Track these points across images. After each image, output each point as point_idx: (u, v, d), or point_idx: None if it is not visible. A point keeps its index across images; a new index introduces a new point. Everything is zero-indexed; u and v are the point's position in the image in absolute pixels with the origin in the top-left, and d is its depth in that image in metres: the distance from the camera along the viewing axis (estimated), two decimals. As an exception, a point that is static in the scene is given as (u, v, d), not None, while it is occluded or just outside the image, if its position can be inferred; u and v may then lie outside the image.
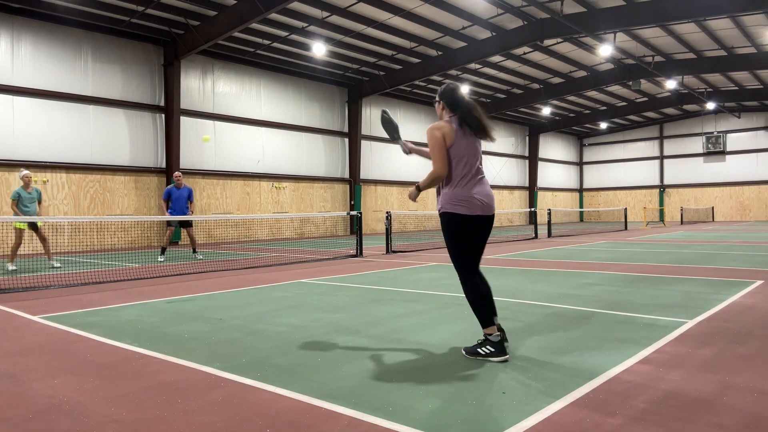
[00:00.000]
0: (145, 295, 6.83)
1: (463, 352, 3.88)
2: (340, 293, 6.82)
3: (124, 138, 17.23)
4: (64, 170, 15.88)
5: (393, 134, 4.60)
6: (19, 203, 9.91)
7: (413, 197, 4.16)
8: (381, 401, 2.96)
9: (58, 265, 10.26)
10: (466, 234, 3.88)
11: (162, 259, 11.38)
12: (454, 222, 3.88)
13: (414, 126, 27.76)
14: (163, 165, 18.04)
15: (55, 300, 6.56)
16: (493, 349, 3.73)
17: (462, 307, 5.70)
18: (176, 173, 11.93)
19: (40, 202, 10.24)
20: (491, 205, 3.92)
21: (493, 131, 4.19)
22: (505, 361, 3.69)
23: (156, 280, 8.32)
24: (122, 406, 2.95)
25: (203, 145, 19.19)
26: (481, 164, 4.06)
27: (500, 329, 3.80)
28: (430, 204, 28.55)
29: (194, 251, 12.14)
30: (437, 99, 4.11)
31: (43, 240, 10.21)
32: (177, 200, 11.67)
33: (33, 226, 10.11)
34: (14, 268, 9.97)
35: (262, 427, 2.65)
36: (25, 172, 10.04)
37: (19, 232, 10.00)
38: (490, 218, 3.95)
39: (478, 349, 3.80)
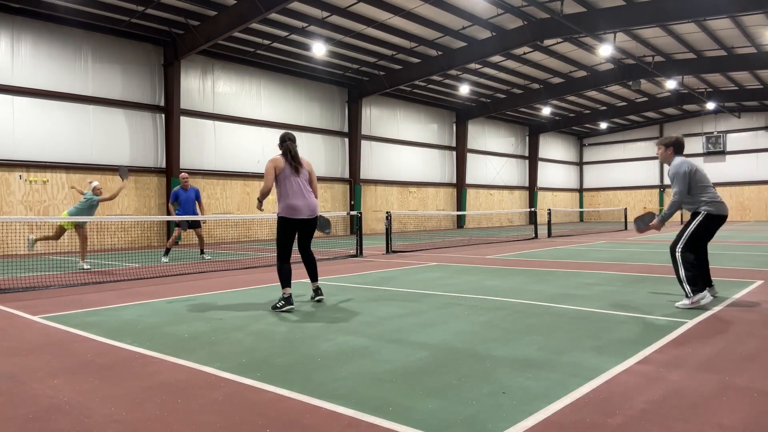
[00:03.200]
0: (145, 295, 6.83)
1: (270, 308, 5.75)
2: (340, 293, 6.82)
3: (124, 138, 17.23)
4: (64, 170, 15.88)
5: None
6: (91, 209, 10.12)
7: (258, 207, 6.25)
8: (381, 401, 2.96)
9: (88, 266, 10.21)
10: (286, 230, 5.95)
11: (166, 260, 11.35)
12: (280, 222, 5.96)
13: (414, 126, 27.77)
14: (163, 165, 18.04)
15: (55, 300, 6.56)
16: (284, 302, 5.69)
17: (462, 307, 5.71)
18: (182, 174, 11.70)
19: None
20: (301, 212, 5.93)
21: (300, 164, 6.17)
22: (290, 311, 5.64)
23: (156, 280, 8.32)
24: (122, 406, 2.95)
25: (203, 144, 19.19)
26: (300, 184, 6.02)
27: (315, 291, 6.20)
28: (430, 204, 28.56)
29: (202, 252, 12.07)
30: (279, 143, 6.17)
31: (84, 239, 10.28)
32: (185, 202, 11.45)
33: (77, 225, 10.19)
34: (89, 266, 10.12)
35: (262, 427, 2.65)
36: (96, 183, 10.27)
37: (61, 230, 10.10)
38: (300, 221, 5.96)
39: (276, 304, 5.76)
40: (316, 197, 6.19)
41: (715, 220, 5.59)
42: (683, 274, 5.52)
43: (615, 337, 4.30)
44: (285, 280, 5.81)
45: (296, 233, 6.00)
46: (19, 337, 4.62)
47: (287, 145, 6.06)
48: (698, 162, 35.36)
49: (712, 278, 5.92)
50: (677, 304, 5.62)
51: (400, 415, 2.77)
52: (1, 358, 3.95)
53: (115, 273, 9.47)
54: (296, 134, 22.54)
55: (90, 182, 10.49)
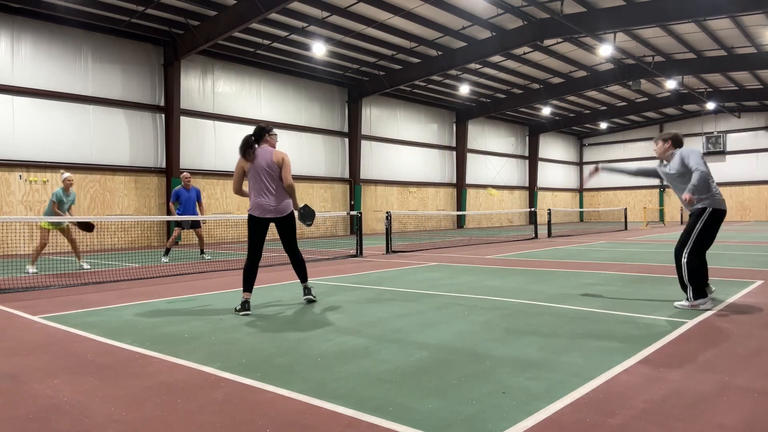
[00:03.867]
0: (145, 295, 6.83)
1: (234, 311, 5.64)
2: (340, 293, 6.82)
3: (124, 138, 17.23)
4: (64, 170, 15.86)
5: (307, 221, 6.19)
6: (59, 206, 9.73)
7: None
8: (381, 401, 2.96)
9: (88, 266, 10.14)
10: (251, 228, 5.80)
11: (166, 260, 11.34)
12: (248, 219, 5.83)
13: (414, 126, 27.77)
14: (163, 165, 18.05)
15: (55, 300, 6.56)
16: (240, 307, 5.56)
17: (462, 307, 5.71)
18: (184, 174, 11.70)
19: (70, 206, 10.03)
20: (266, 210, 5.75)
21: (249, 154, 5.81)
22: (247, 314, 5.48)
23: (156, 280, 8.32)
24: (122, 406, 2.95)
25: (203, 144, 19.19)
26: (266, 180, 5.76)
27: (305, 290, 6.12)
28: (430, 204, 28.56)
29: (202, 252, 12.06)
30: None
31: (72, 241, 10.05)
32: (187, 202, 11.45)
33: (62, 227, 9.89)
34: (35, 270, 9.64)
35: (262, 427, 2.65)
36: (67, 174, 9.87)
37: (46, 233, 9.71)
38: (268, 220, 5.80)
39: (236, 307, 5.67)
40: (290, 192, 5.82)
41: (719, 216, 5.52)
42: (687, 280, 5.48)
43: (615, 337, 4.30)
44: (245, 282, 5.63)
45: (265, 232, 5.81)
46: (19, 337, 4.62)
47: (244, 138, 5.80)
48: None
49: (713, 278, 5.92)
50: (676, 303, 5.64)
51: (400, 415, 2.77)
52: (1, 358, 3.95)
53: (115, 273, 9.47)
54: (296, 134, 22.84)
55: (62, 173, 10.05)
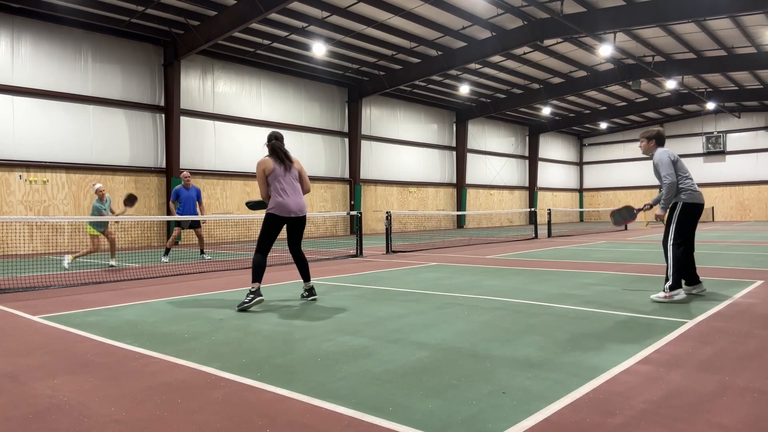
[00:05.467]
0: (145, 295, 6.83)
1: (237, 308, 5.75)
2: (340, 293, 6.82)
3: (124, 138, 17.23)
4: (64, 170, 15.88)
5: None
6: (100, 214, 10.42)
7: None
8: (381, 401, 2.96)
9: (115, 263, 10.66)
10: (271, 226, 6.05)
11: (166, 260, 11.34)
12: (267, 218, 6.08)
13: (414, 126, 27.77)
14: (163, 165, 18.05)
15: (55, 300, 6.56)
16: (253, 295, 5.73)
17: (462, 307, 5.71)
18: (184, 173, 11.69)
19: (112, 210, 10.79)
20: (291, 210, 6.04)
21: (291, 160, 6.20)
22: (260, 302, 5.77)
23: (156, 280, 8.32)
24: (122, 406, 2.95)
25: (203, 144, 19.20)
26: (290, 182, 6.08)
27: (309, 291, 6.30)
28: (430, 204, 28.56)
29: (202, 252, 12.04)
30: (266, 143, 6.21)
31: (111, 241, 10.70)
32: (186, 201, 11.45)
33: (103, 228, 10.46)
34: (114, 263, 10.56)
35: (262, 427, 2.65)
36: (98, 186, 10.53)
37: (96, 238, 10.41)
38: (288, 219, 6.08)
39: (245, 299, 5.75)
40: (305, 193, 6.29)
41: (692, 209, 5.92)
42: (672, 268, 5.81)
43: (615, 337, 4.30)
44: (257, 274, 5.87)
45: (280, 231, 6.10)
46: (19, 337, 4.62)
47: (274, 144, 6.10)
48: (698, 162, 35.39)
49: (713, 278, 5.97)
50: (653, 296, 5.92)
51: (400, 415, 2.77)
52: (1, 358, 3.95)
53: (115, 273, 9.47)
54: (296, 134, 22.88)
55: (93, 185, 10.74)
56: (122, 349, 4.18)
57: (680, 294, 5.77)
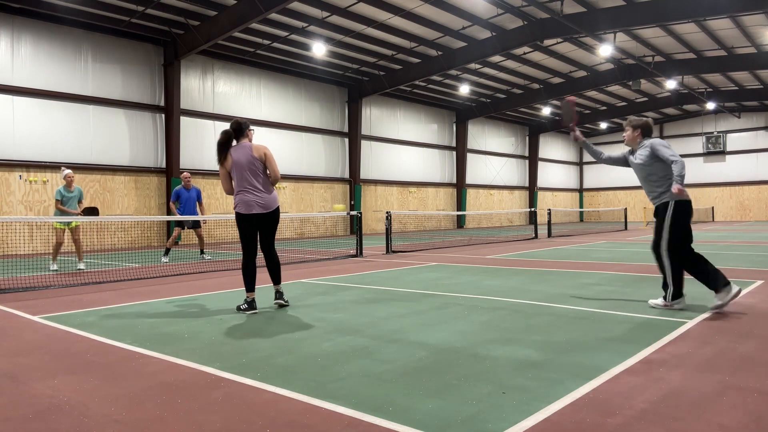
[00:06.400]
0: (145, 295, 6.83)
1: (236, 309, 5.68)
2: (340, 293, 6.82)
3: (124, 138, 17.24)
4: (65, 167, 15.85)
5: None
6: (64, 203, 9.88)
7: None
8: (381, 401, 2.96)
9: (83, 266, 10.17)
10: (242, 227, 5.73)
11: (166, 260, 11.33)
12: (236, 218, 5.74)
13: (414, 126, 27.77)
14: (163, 165, 18.05)
15: (55, 300, 6.56)
16: (247, 306, 5.61)
17: (462, 306, 5.71)
18: (184, 174, 11.69)
19: (80, 201, 10.17)
20: (252, 206, 5.61)
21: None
22: (254, 313, 5.52)
23: (156, 280, 8.32)
24: (122, 406, 2.95)
25: (203, 144, 19.20)
26: (249, 175, 5.63)
27: (277, 294, 5.83)
28: (430, 204, 28.55)
29: (202, 252, 12.02)
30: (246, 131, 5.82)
31: (76, 241, 10.13)
32: (187, 201, 11.43)
33: (72, 226, 10.07)
34: (56, 267, 10.00)
35: (262, 427, 2.65)
36: (67, 171, 10.02)
37: (60, 232, 9.99)
38: (255, 217, 5.65)
39: (240, 306, 5.68)
40: (274, 182, 5.75)
41: (684, 207, 5.35)
42: (671, 279, 5.37)
43: (615, 337, 4.30)
44: (247, 281, 5.67)
45: (256, 229, 5.71)
46: (19, 337, 4.62)
47: (220, 139, 5.65)
48: (698, 162, 35.40)
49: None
50: (651, 302, 5.62)
51: (400, 415, 2.77)
52: (1, 358, 3.95)
53: (115, 273, 9.47)
54: (296, 134, 22.87)
55: (62, 170, 10.18)
56: (122, 349, 4.18)
57: (681, 303, 5.38)
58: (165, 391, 3.18)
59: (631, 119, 5.79)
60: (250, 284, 5.68)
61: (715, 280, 5.26)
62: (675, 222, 5.35)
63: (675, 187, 5.16)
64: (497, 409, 2.83)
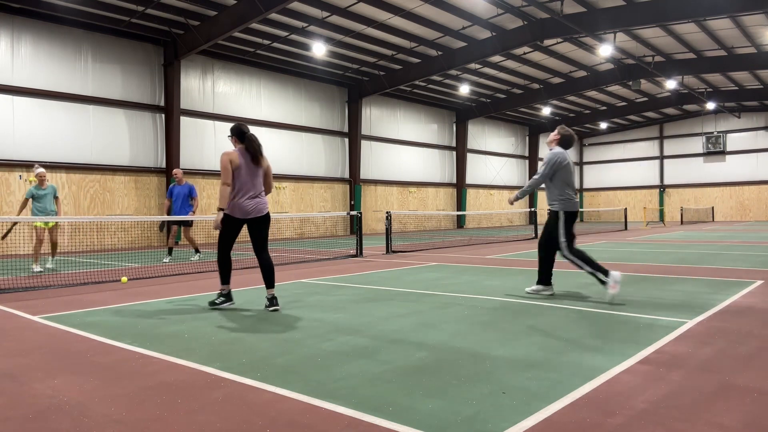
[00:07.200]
0: (145, 295, 6.83)
1: (208, 304, 5.84)
2: (340, 293, 6.82)
3: (124, 138, 17.24)
4: (64, 170, 15.88)
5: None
6: (35, 200, 9.74)
7: (217, 222, 5.65)
8: (381, 401, 2.96)
9: (51, 266, 10.06)
10: (229, 229, 5.76)
11: (167, 260, 11.29)
12: (224, 219, 5.70)
13: (414, 126, 27.77)
14: (163, 165, 18.05)
15: (55, 300, 6.56)
16: (224, 299, 5.78)
17: (462, 307, 5.71)
18: (175, 170, 11.73)
19: (56, 198, 9.98)
20: (248, 212, 5.67)
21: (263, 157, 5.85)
22: (231, 305, 5.79)
23: (156, 280, 8.32)
24: (122, 406, 2.95)
25: (203, 144, 19.21)
26: (253, 180, 5.71)
27: (270, 300, 5.68)
28: (430, 204, 28.55)
29: (196, 251, 11.95)
30: (229, 134, 5.87)
31: (53, 241, 10.05)
32: (177, 197, 11.44)
33: (49, 226, 9.92)
34: (40, 269, 9.70)
35: (262, 427, 2.65)
36: (40, 170, 9.86)
37: (40, 231, 9.83)
38: (247, 220, 5.71)
39: (216, 300, 5.81)
40: (267, 193, 5.93)
41: (570, 217, 6.20)
42: (588, 268, 6.00)
43: (615, 337, 4.30)
44: (224, 275, 5.78)
45: (238, 232, 5.80)
46: (19, 337, 4.62)
47: (251, 136, 5.73)
48: (698, 162, 35.42)
49: (713, 278, 5.93)
50: (527, 289, 6.55)
51: (400, 415, 2.77)
52: (1, 358, 3.95)
53: (115, 273, 9.47)
54: (296, 134, 22.89)
55: (35, 167, 10.02)
56: (122, 349, 4.18)
57: (548, 290, 6.38)
58: (165, 391, 3.18)
59: (563, 126, 6.47)
60: (225, 277, 5.81)
61: (602, 270, 6.05)
62: (566, 225, 6.19)
63: (510, 198, 6.46)
64: (497, 409, 2.83)
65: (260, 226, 5.77)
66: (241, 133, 5.73)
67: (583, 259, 6.02)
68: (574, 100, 30.20)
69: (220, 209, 5.61)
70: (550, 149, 6.41)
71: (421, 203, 28.05)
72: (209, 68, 19.46)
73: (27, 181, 15.07)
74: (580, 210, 26.12)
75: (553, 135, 6.41)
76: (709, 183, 35.12)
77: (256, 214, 5.68)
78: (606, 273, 5.83)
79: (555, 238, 6.21)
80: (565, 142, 6.35)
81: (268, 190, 5.89)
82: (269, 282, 5.73)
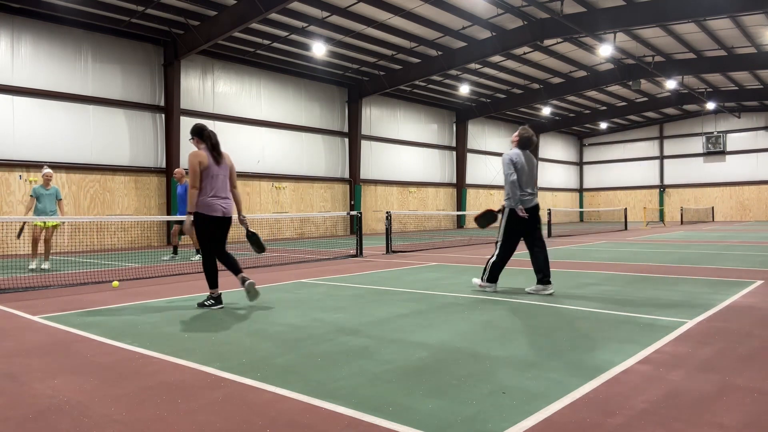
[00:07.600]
0: (145, 295, 6.83)
1: (197, 305, 5.86)
2: (340, 293, 6.82)
3: (124, 138, 17.24)
4: (64, 170, 15.88)
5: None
6: (38, 199, 9.92)
7: (188, 226, 5.70)
8: (381, 401, 2.96)
9: (46, 266, 10.09)
10: (208, 228, 5.73)
11: (166, 259, 11.30)
12: (198, 219, 5.67)
13: (414, 126, 27.77)
14: (163, 165, 18.05)
15: (55, 300, 6.56)
16: (213, 302, 5.79)
17: (462, 306, 5.71)
18: (176, 170, 11.83)
19: (59, 200, 10.17)
20: (219, 210, 5.72)
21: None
22: (221, 308, 5.74)
23: (156, 280, 8.32)
24: (122, 406, 2.95)
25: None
26: (222, 180, 5.78)
27: (243, 280, 5.75)
28: (430, 204, 28.55)
29: (197, 251, 11.97)
30: (190, 137, 5.87)
31: (47, 240, 10.13)
32: (178, 197, 11.63)
33: (47, 226, 10.06)
34: (33, 266, 9.95)
35: (262, 427, 2.65)
36: (47, 170, 10.11)
37: (37, 229, 9.99)
38: (219, 219, 5.75)
39: (205, 302, 5.82)
40: (234, 193, 6.02)
41: (514, 214, 6.34)
42: (492, 262, 6.46)
43: (615, 337, 4.30)
44: (212, 279, 5.82)
45: (217, 230, 5.79)
46: (19, 337, 4.62)
47: (210, 133, 5.78)
48: (698, 162, 35.42)
49: (713, 278, 5.95)
50: (474, 279, 6.87)
51: (400, 415, 2.77)
52: (1, 358, 3.95)
53: (115, 273, 9.47)
54: (296, 134, 22.90)
55: (42, 168, 10.24)
56: (122, 349, 4.18)
57: (493, 288, 6.62)
58: (165, 391, 3.18)
59: (524, 127, 6.58)
60: (214, 281, 5.86)
61: (493, 275, 6.58)
62: (507, 224, 6.47)
63: (514, 209, 6.34)
64: (497, 409, 2.83)
65: (227, 227, 5.89)
66: (200, 131, 5.79)
67: (503, 259, 6.48)
68: (574, 100, 30.20)
69: (189, 213, 5.67)
70: (511, 148, 6.58)
71: (421, 203, 28.06)
72: (209, 68, 19.46)
73: (27, 180, 15.07)
74: (580, 210, 26.12)
75: (514, 135, 6.58)
76: (709, 183, 35.12)
77: (227, 214, 5.80)
78: (490, 281, 6.51)
79: (533, 232, 6.49)
80: (523, 144, 6.48)
81: (233, 185, 6.01)
82: (238, 268, 5.88)
